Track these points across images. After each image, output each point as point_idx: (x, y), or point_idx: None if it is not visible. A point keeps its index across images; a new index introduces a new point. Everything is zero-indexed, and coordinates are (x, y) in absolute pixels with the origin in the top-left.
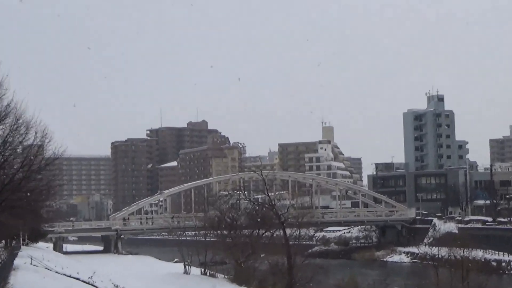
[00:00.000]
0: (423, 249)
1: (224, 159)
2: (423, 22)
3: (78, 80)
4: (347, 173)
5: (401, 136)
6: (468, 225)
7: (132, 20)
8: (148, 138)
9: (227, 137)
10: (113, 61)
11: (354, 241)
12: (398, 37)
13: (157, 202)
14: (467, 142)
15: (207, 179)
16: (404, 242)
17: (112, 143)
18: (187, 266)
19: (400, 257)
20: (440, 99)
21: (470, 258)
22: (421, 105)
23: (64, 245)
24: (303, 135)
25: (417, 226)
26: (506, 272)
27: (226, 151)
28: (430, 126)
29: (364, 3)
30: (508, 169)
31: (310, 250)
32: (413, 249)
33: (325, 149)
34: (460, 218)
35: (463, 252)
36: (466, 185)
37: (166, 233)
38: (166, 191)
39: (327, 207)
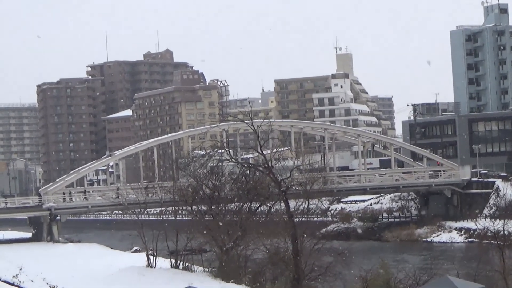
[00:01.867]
0: (482, 223)
1: (198, 104)
2: None
3: None
4: (374, 119)
5: (448, 64)
6: None
7: None
8: (90, 77)
9: (202, 73)
10: None
11: (385, 215)
12: None
13: (105, 168)
14: None
15: (175, 134)
16: (456, 215)
17: (39, 86)
18: (151, 257)
19: (450, 235)
20: (503, 10)
21: None
22: (476, 19)
23: None
24: (309, 68)
25: (474, 191)
26: None
27: (201, 92)
28: (489, 49)
29: None
30: None
31: (324, 230)
32: (469, 224)
33: (341, 86)
34: None
35: None
36: None
37: (120, 212)
38: (117, 152)
39: (346, 168)
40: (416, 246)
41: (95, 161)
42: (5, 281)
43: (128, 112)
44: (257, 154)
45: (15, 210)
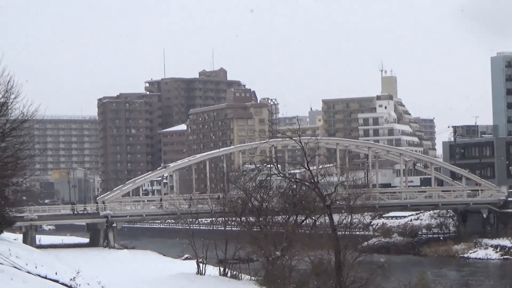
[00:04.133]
0: None
1: (249, 121)
2: None
3: (54, 20)
4: (415, 139)
5: (488, 89)
6: None
7: None
8: (148, 93)
9: (253, 91)
10: None
11: (424, 231)
12: None
13: (160, 179)
14: None
15: (226, 148)
16: (492, 233)
17: (99, 100)
18: (201, 265)
19: (486, 252)
20: None
21: None
22: None
23: (38, 237)
24: (355, 89)
25: (510, 210)
26: None
27: (252, 110)
28: None
29: None
30: None
31: (366, 243)
32: (504, 242)
33: (386, 107)
34: None
35: None
36: None
37: (172, 221)
38: (172, 165)
39: (388, 186)
40: (453, 261)
41: (150, 172)
42: (63, 284)
43: (182, 127)
44: (304, 169)
45: (74, 216)
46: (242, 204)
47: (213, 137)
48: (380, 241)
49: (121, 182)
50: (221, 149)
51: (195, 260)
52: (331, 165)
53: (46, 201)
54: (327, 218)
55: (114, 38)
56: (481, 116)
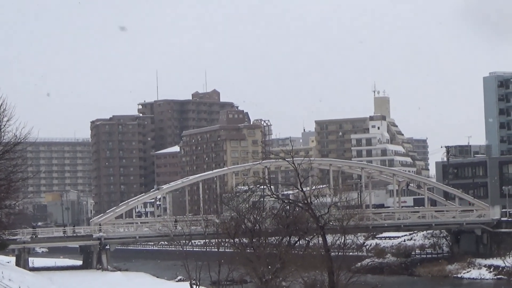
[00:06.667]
0: (511, 261)
1: (242, 142)
2: None
3: (46, 42)
4: (408, 159)
5: (480, 109)
6: None
7: None
8: (140, 115)
9: (246, 113)
10: (96, 15)
11: (417, 251)
12: None
13: (153, 200)
14: None
15: (220, 170)
16: (486, 252)
17: (92, 122)
18: (194, 287)
19: (479, 272)
20: None
21: None
22: (508, 66)
23: (31, 259)
24: (348, 110)
25: (503, 230)
26: None
27: (245, 131)
28: None
29: None
30: None
31: (359, 264)
32: (498, 262)
33: (379, 128)
34: None
35: None
36: None
37: (165, 242)
38: (165, 186)
39: (381, 206)
40: (447, 281)
41: (143, 194)
42: None
43: (176, 148)
44: (297, 190)
45: (67, 239)
46: (236, 225)
47: (206, 159)
48: (373, 261)
49: (114, 204)
50: (214, 171)
51: (189, 282)
52: (324, 186)
53: (39, 223)
54: (320, 239)
55: (107, 60)
56: (473, 136)
